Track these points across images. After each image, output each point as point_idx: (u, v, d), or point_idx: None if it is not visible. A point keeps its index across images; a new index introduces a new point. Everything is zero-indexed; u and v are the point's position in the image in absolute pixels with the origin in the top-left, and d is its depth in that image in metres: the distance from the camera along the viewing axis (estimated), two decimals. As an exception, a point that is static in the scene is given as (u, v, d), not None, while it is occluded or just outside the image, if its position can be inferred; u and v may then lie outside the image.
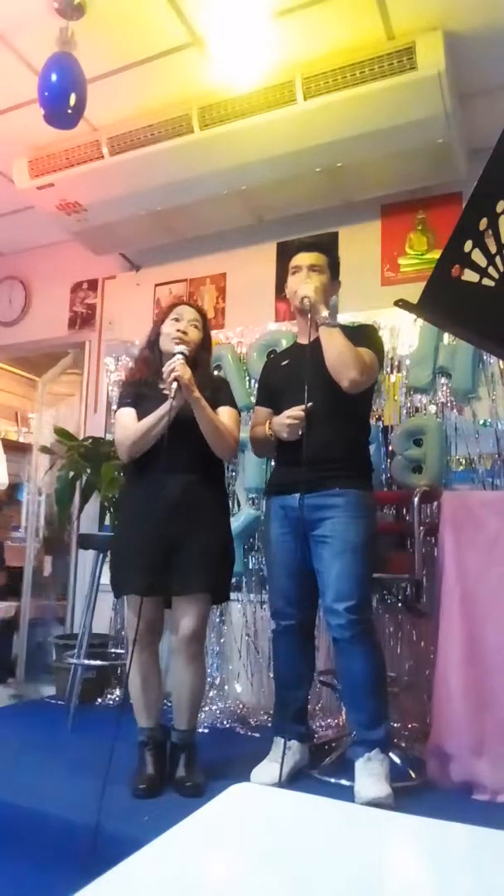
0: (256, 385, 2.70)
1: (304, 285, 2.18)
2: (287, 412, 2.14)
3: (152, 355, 2.27)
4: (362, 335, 2.23)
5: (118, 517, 2.48)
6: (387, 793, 1.92)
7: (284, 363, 2.37)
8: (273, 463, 2.43)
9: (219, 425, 2.11)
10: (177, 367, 2.01)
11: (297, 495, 2.13)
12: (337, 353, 2.10)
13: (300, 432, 2.11)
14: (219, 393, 2.23)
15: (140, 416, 2.14)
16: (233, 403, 2.26)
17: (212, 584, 2.11)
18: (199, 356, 2.24)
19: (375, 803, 1.85)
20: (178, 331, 2.19)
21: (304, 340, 2.34)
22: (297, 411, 2.10)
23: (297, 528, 2.16)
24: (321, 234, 3.35)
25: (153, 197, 3.16)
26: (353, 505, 2.11)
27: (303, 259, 2.29)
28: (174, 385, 2.00)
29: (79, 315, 4.08)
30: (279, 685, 2.30)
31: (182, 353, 2.09)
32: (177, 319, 2.24)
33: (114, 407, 3.66)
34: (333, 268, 2.35)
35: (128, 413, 2.20)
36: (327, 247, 2.46)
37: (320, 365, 2.12)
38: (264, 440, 2.28)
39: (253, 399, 3.23)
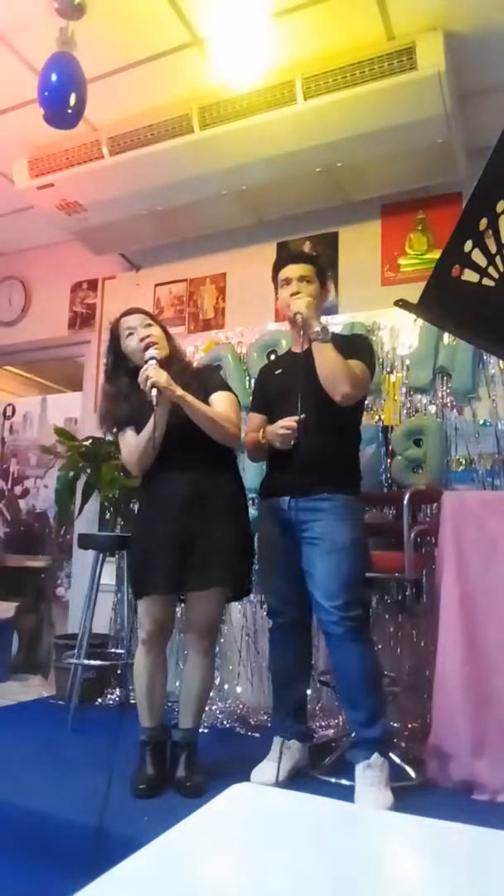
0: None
1: (296, 301, 2.20)
2: (280, 422, 2.16)
3: (115, 389, 2.21)
4: (354, 347, 2.25)
5: (135, 518, 2.45)
6: (388, 803, 1.92)
7: (278, 372, 2.41)
8: (266, 470, 2.44)
9: (213, 416, 2.08)
10: (150, 373, 1.98)
11: (288, 498, 2.19)
12: (329, 369, 2.13)
13: (292, 442, 2.13)
14: (207, 381, 2.20)
15: (138, 429, 2.12)
16: (225, 387, 2.23)
17: (227, 578, 2.11)
18: (169, 350, 2.19)
19: None
20: (142, 339, 2.13)
21: (297, 349, 2.35)
22: (289, 422, 2.13)
23: (287, 529, 2.21)
24: (321, 234, 3.36)
25: (153, 197, 3.16)
26: (340, 508, 2.15)
27: (291, 271, 2.30)
28: (154, 392, 1.97)
29: (79, 315, 4.08)
30: (276, 683, 2.32)
31: (153, 357, 2.05)
32: (130, 333, 2.18)
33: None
34: (321, 275, 2.37)
35: (128, 434, 2.17)
36: (314, 256, 2.51)
37: (313, 375, 2.15)
38: (259, 447, 2.31)
39: (253, 399, 3.25)
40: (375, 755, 2.01)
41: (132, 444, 2.15)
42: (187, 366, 2.28)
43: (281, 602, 2.27)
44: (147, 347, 2.11)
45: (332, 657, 2.16)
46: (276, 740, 2.21)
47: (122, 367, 2.22)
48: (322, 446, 2.15)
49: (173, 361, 2.18)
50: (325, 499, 2.15)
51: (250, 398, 3.20)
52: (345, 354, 2.15)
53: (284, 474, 2.20)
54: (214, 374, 2.30)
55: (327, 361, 2.13)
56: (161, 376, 1.99)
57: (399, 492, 2.88)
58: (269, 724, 2.52)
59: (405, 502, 2.37)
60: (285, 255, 2.50)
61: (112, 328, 2.26)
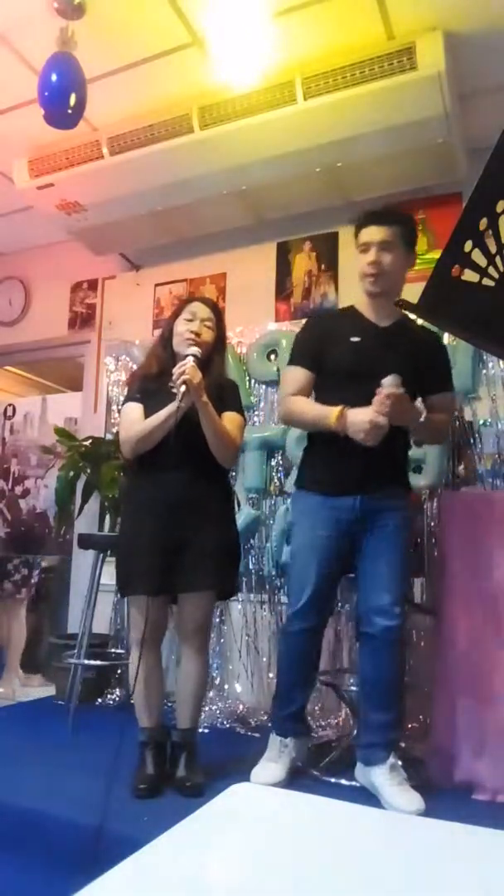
0: (294, 344, 2.26)
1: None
2: (371, 417, 1.92)
3: (165, 353, 2.22)
4: (445, 371, 2.20)
5: (122, 515, 2.46)
6: (423, 804, 1.88)
7: (355, 339, 2.08)
8: (309, 457, 2.24)
9: (222, 433, 2.09)
10: (187, 370, 1.98)
11: (357, 497, 2.06)
12: (434, 437, 2.28)
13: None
14: (226, 397, 2.20)
15: (147, 413, 2.12)
16: (239, 409, 2.23)
17: (217, 581, 2.11)
18: (212, 358, 2.19)
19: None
20: (192, 332, 2.14)
21: (377, 321, 2.13)
22: (382, 419, 1.91)
23: (344, 530, 2.08)
24: (321, 234, 3.36)
25: (153, 197, 3.16)
26: (404, 510, 2.13)
27: (372, 234, 2.02)
28: (182, 388, 1.97)
29: (79, 315, 4.08)
30: (283, 685, 2.23)
31: (195, 354, 2.06)
32: (190, 319, 2.18)
33: (114, 407, 3.68)
34: (408, 238, 2.07)
35: (135, 408, 2.16)
36: (400, 215, 2.12)
37: (398, 358, 2.00)
38: (319, 425, 2.06)
39: (254, 398, 3.23)
40: (393, 754, 1.99)
41: (135, 421, 2.13)
42: (219, 374, 2.24)
43: (309, 607, 2.12)
44: (192, 344, 2.11)
45: (375, 660, 2.05)
46: (274, 739, 2.19)
47: (171, 342, 2.22)
48: (392, 440, 2.01)
49: (212, 369, 2.16)
50: (393, 497, 2.09)
51: (251, 397, 3.23)
52: (437, 383, 2.14)
53: (349, 470, 2.05)
54: (235, 392, 2.27)
55: (434, 435, 2.22)
56: (196, 376, 1.99)
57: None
58: (269, 724, 2.52)
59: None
60: (366, 214, 2.10)
61: (182, 303, 2.26)
